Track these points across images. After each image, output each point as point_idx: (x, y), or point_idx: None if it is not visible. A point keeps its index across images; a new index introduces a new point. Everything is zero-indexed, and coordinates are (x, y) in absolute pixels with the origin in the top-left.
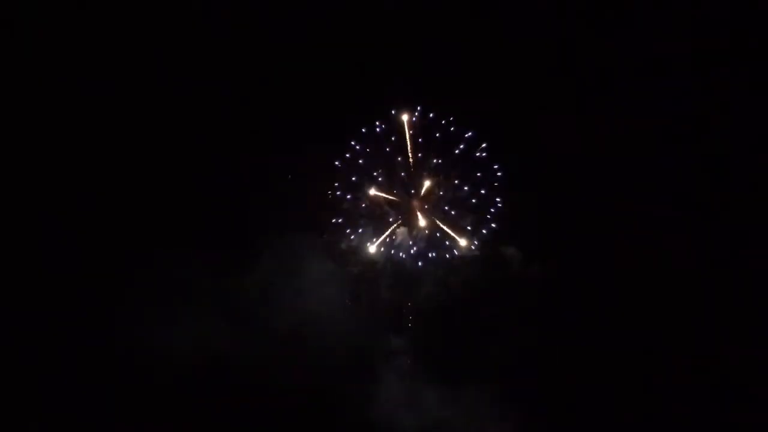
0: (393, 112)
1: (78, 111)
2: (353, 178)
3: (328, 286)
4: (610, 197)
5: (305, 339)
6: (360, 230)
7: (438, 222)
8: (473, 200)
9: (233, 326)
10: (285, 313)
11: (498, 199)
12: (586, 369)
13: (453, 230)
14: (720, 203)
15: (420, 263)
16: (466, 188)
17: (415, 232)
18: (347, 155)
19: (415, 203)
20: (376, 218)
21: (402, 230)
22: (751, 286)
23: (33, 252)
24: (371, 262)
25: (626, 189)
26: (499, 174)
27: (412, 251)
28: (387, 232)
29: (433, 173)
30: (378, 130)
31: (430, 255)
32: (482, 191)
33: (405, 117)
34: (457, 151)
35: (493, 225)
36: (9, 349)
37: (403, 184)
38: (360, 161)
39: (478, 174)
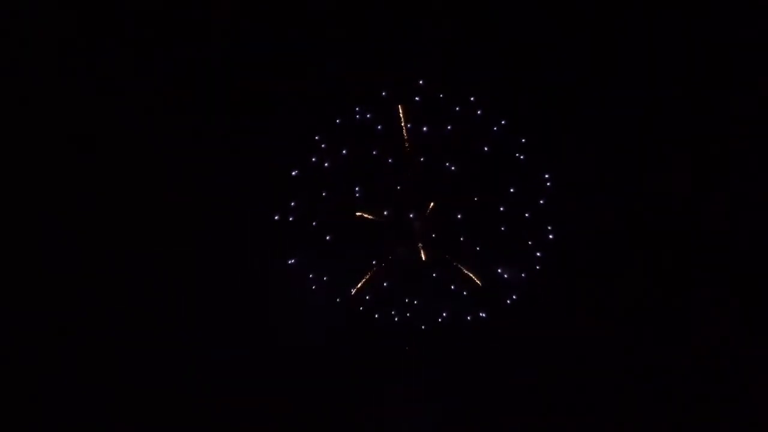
0: (384, 94)
1: (78, 111)
2: (323, 193)
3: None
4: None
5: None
6: (325, 278)
7: (452, 260)
8: (503, 227)
9: (232, 328)
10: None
11: (549, 227)
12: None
13: (475, 274)
14: (720, 203)
15: (423, 326)
16: (502, 209)
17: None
18: (313, 159)
19: (416, 228)
20: (350, 255)
21: (398, 255)
22: (751, 285)
23: (33, 252)
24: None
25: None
26: (548, 184)
27: (408, 313)
28: (364, 279)
29: (442, 184)
30: (358, 117)
31: (438, 318)
32: (526, 214)
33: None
34: (486, 149)
35: (537, 267)
36: (9, 349)
37: (396, 201)
38: (327, 165)
39: (512, 189)
